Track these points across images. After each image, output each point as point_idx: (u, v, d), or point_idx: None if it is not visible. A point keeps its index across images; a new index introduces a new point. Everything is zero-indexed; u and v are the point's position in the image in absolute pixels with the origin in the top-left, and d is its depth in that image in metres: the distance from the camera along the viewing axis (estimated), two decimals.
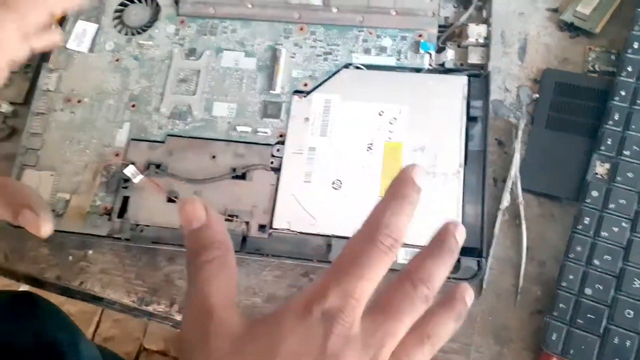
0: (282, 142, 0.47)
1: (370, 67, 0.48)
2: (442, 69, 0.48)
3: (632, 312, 0.39)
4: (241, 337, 0.26)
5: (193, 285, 0.28)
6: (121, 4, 0.53)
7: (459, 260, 0.42)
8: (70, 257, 0.49)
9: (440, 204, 0.43)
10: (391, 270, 0.27)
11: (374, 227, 0.27)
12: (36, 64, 0.53)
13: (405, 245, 0.42)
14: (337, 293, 0.25)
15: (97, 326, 1.19)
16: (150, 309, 0.47)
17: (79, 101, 0.50)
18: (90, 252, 0.49)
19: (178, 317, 0.47)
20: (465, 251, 0.42)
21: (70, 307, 1.06)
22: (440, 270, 0.28)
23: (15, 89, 0.53)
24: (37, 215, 0.38)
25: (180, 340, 0.28)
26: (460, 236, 0.29)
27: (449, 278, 0.41)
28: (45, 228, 0.38)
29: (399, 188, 0.28)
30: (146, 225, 0.46)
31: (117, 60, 0.51)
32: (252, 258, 0.45)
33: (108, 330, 1.19)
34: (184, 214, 0.29)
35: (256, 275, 0.46)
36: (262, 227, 0.45)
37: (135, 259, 0.48)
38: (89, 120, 0.50)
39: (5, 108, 0.52)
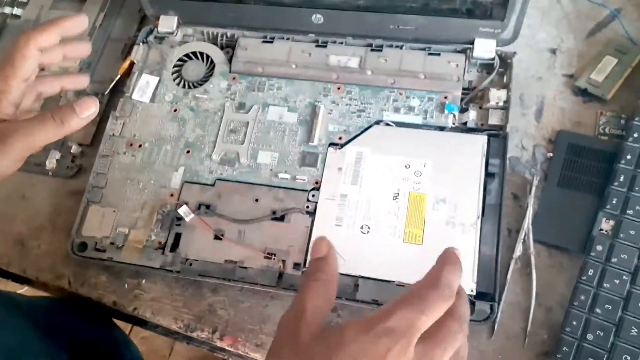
0: (317, 189, 0.52)
1: (399, 124, 0.53)
2: (464, 128, 0.53)
3: (629, 357, 0.42)
4: (317, 337, 0.34)
5: (299, 292, 0.37)
6: (180, 60, 0.60)
7: (474, 304, 0.46)
8: (126, 285, 0.54)
9: (459, 251, 0.47)
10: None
11: (437, 279, 0.34)
12: (102, 110, 0.60)
13: None
14: (401, 319, 0.32)
15: None
16: (194, 335, 0.52)
17: (140, 146, 0.57)
18: (144, 281, 0.54)
19: (219, 343, 0.52)
20: (480, 295, 0.46)
21: None
22: (468, 312, 0.36)
23: (83, 132, 0.59)
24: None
25: (278, 327, 0.36)
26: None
27: None
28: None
29: (450, 258, 0.37)
30: (195, 260, 0.51)
31: (175, 110, 0.58)
32: (287, 293, 0.49)
33: None
34: (313, 246, 0.39)
35: None
36: (297, 265, 0.49)
37: (183, 289, 0.53)
38: (148, 163, 0.56)
39: (75, 149, 0.59)
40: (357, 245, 0.49)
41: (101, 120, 0.60)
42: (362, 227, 0.50)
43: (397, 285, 0.47)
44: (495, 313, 0.46)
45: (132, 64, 0.60)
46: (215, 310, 0.52)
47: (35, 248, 0.57)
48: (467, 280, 0.46)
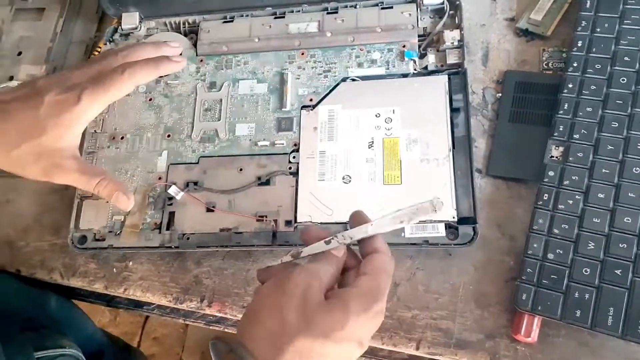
0: (297, 150, 0.55)
1: (364, 78, 0.56)
2: (425, 72, 0.56)
3: (588, 270, 0.45)
4: (323, 306, 0.38)
5: (314, 262, 0.41)
6: None
7: (457, 229, 0.49)
8: (114, 270, 0.57)
9: (436, 184, 0.50)
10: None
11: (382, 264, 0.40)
12: None
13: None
14: (383, 298, 0.39)
15: (139, 345, 1.28)
16: (184, 306, 0.55)
17: (122, 138, 0.59)
18: (131, 263, 0.57)
19: (208, 311, 0.54)
20: (462, 221, 0.49)
21: (113, 329, 1.15)
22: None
23: None
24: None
25: (286, 282, 0.39)
26: None
27: (449, 245, 0.48)
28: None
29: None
30: (191, 233, 0.54)
31: (150, 99, 0.60)
32: (283, 249, 0.52)
33: (149, 348, 1.28)
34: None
35: None
36: (288, 223, 0.52)
37: (168, 266, 0.56)
38: (132, 152, 0.58)
39: None
40: (342, 194, 0.52)
41: None
42: (343, 178, 0.53)
43: None
44: (478, 234, 0.48)
45: None
46: (201, 281, 0.55)
47: (24, 247, 0.60)
48: (448, 209, 0.49)
